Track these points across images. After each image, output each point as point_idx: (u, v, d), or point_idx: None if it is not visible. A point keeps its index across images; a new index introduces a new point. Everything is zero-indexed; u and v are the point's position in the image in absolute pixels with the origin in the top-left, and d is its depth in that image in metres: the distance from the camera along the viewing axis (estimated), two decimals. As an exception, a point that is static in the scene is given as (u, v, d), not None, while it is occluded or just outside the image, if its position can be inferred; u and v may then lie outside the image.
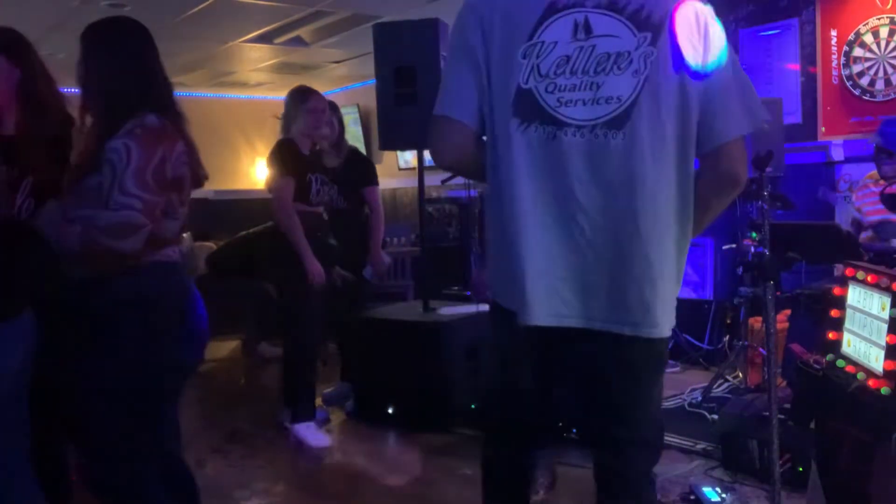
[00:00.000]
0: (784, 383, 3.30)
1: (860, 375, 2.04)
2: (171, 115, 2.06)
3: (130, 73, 2.04)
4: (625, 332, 1.53)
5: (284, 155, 3.69)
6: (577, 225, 1.51)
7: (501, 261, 1.58)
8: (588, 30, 1.49)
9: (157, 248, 2.02)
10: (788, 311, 3.69)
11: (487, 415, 1.83)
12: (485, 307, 3.97)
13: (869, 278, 2.07)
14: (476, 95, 1.56)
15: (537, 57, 1.49)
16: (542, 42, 1.50)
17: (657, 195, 1.50)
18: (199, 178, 2.16)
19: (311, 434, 3.68)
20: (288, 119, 3.81)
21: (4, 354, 1.81)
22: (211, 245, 5.94)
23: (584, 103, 1.49)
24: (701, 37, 1.50)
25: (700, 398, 4.11)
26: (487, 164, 1.59)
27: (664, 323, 1.54)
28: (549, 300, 1.52)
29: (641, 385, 1.61)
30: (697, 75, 1.50)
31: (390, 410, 3.90)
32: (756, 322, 4.44)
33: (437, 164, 1.66)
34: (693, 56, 1.49)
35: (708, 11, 1.54)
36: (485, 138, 1.61)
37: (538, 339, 1.56)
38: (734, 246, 4.96)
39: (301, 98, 3.78)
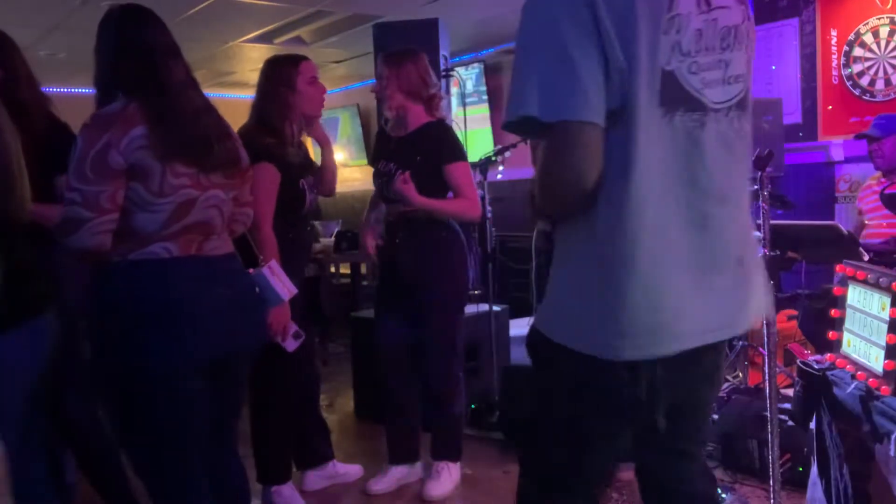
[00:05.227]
0: (789, 381, 3.30)
1: (860, 375, 2.03)
2: (147, 94, 1.84)
3: (108, 59, 1.89)
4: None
5: None
6: (713, 225, 1.33)
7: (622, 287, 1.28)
8: (708, 0, 1.30)
9: (140, 245, 1.83)
10: (788, 311, 3.69)
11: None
12: (484, 306, 4.01)
13: (869, 278, 2.07)
14: (605, 91, 1.25)
15: (677, 32, 1.26)
16: (680, 14, 1.26)
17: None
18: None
19: None
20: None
21: (17, 353, 1.80)
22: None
23: (720, 83, 1.32)
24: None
25: (700, 398, 4.10)
26: (611, 168, 1.27)
27: None
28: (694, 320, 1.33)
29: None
30: None
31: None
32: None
33: (573, 193, 1.27)
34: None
35: None
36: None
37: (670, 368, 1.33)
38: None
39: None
